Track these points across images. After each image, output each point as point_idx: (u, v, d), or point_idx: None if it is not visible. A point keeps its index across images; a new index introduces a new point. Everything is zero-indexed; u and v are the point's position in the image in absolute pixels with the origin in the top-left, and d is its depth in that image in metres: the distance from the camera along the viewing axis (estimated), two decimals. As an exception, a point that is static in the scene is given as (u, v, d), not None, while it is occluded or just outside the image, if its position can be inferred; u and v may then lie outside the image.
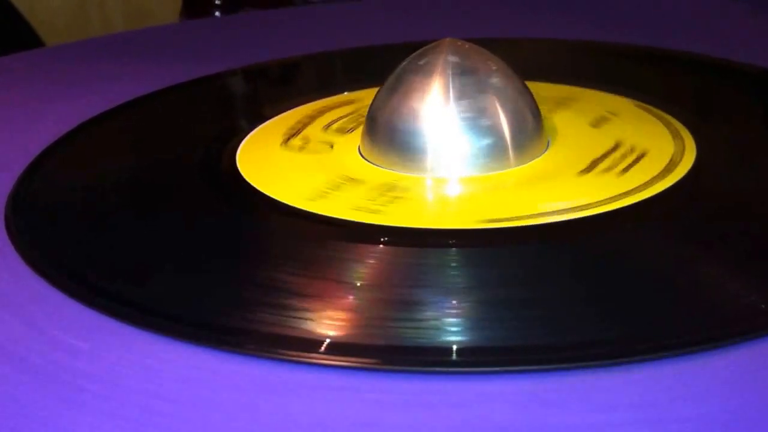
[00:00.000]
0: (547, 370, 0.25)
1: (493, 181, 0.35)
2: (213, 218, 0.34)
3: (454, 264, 0.30)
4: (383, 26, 0.62)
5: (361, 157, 0.38)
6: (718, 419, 0.23)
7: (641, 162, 0.36)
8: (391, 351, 0.26)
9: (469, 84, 0.36)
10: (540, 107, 0.38)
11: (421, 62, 0.37)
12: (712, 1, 0.63)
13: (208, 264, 0.31)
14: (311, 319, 0.27)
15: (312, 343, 0.26)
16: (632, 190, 0.34)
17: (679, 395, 0.24)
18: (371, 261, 0.30)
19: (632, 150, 0.37)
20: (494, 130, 0.36)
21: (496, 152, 0.36)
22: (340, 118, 0.42)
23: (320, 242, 0.32)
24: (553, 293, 0.28)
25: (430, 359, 0.26)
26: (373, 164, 0.37)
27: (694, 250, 0.31)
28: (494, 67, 0.37)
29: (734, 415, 0.23)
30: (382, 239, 0.31)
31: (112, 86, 0.50)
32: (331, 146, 0.39)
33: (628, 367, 0.25)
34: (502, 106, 0.36)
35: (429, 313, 0.27)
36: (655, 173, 0.35)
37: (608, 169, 0.36)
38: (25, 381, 0.26)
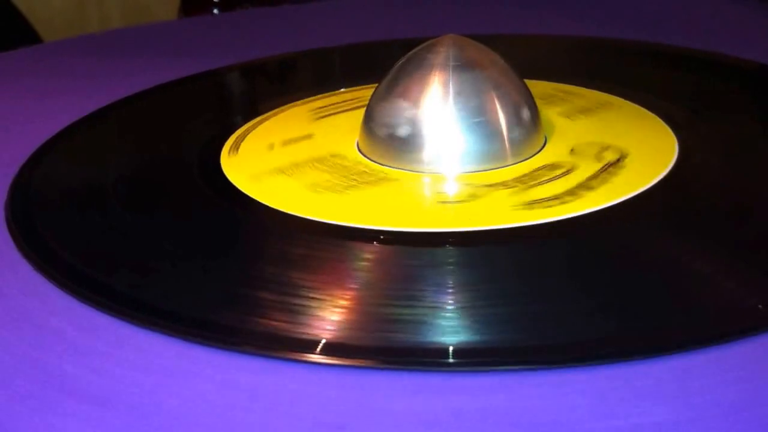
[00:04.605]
0: (542, 369, 0.25)
1: (490, 178, 0.35)
2: (210, 216, 0.34)
3: (450, 262, 0.30)
4: (384, 23, 0.62)
5: (358, 153, 0.38)
6: (716, 417, 0.23)
7: (639, 160, 0.36)
8: (388, 351, 0.26)
9: (468, 80, 0.36)
10: (537, 104, 0.38)
11: (422, 58, 0.37)
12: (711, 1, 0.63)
13: (205, 262, 0.31)
14: (309, 318, 0.27)
15: (308, 343, 0.26)
16: (629, 188, 0.34)
17: (676, 394, 0.24)
18: (367, 259, 0.30)
19: (629, 148, 0.37)
20: (492, 127, 0.36)
21: (493, 149, 0.36)
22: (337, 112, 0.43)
23: (316, 241, 0.32)
24: (549, 292, 0.28)
25: (426, 359, 0.26)
26: (371, 160, 0.37)
27: (689, 248, 0.31)
28: (494, 64, 0.37)
29: (733, 414, 0.23)
30: (378, 237, 0.31)
31: (110, 83, 0.50)
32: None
33: (626, 364, 0.25)
34: (501, 102, 0.36)
35: (425, 312, 0.27)
36: (651, 171, 0.35)
37: (605, 167, 0.36)
38: (19, 375, 0.26)
